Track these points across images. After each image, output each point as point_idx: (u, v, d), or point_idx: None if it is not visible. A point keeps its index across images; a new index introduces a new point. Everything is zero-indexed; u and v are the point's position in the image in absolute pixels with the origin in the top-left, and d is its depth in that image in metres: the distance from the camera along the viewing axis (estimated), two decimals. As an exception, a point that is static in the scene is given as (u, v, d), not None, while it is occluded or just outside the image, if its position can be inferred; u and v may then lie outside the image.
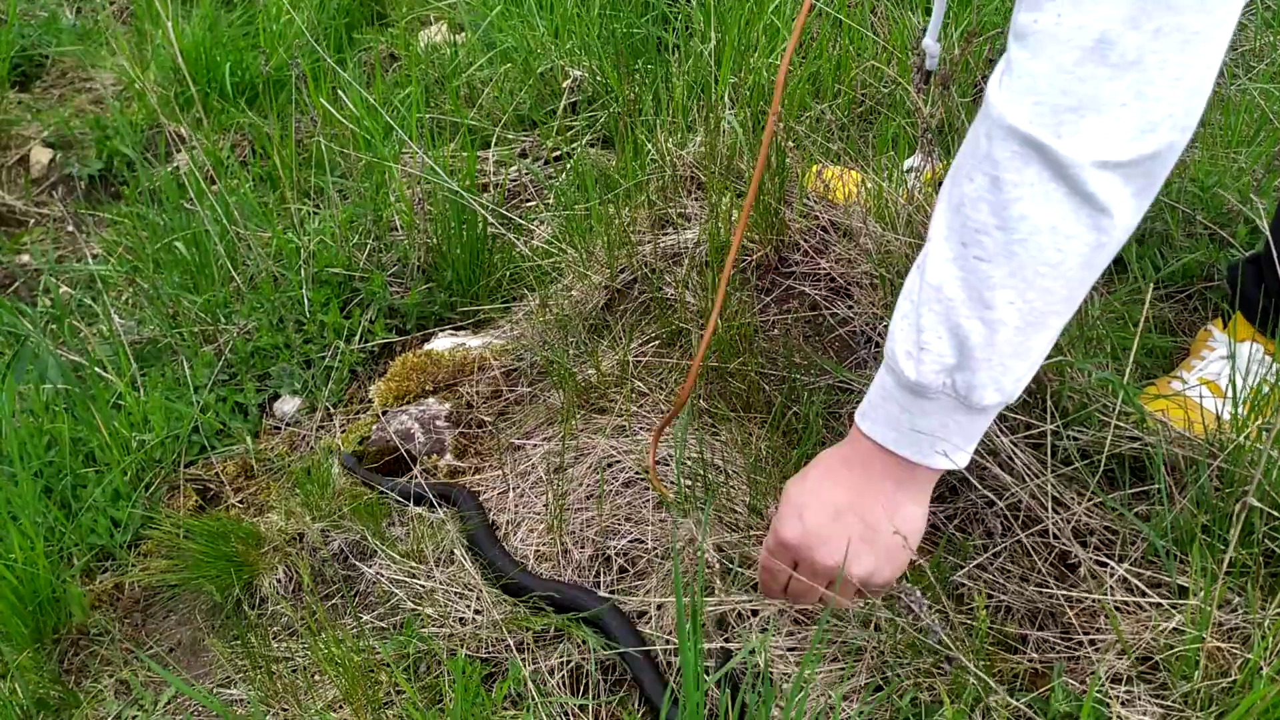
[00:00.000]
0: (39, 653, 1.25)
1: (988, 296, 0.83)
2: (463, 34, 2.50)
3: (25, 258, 2.16)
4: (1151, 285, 1.14)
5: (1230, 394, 1.10)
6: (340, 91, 2.22)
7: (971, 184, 0.82)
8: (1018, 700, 0.93)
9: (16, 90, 2.69)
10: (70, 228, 2.26)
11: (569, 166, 1.89)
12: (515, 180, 2.05)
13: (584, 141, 2.05)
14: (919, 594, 0.95)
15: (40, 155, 2.42)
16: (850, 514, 0.90)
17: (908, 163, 1.61)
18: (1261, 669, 0.90)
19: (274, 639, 1.21)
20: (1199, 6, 0.73)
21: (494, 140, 2.12)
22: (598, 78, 2.06)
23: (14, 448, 1.37)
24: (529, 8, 2.27)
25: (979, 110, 0.83)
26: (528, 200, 2.03)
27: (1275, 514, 0.94)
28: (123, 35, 2.77)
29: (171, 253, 1.75)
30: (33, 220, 2.29)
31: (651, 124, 1.89)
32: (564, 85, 2.13)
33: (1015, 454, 1.07)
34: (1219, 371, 1.19)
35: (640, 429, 1.28)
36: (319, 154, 2.08)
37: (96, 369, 1.58)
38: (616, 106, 1.96)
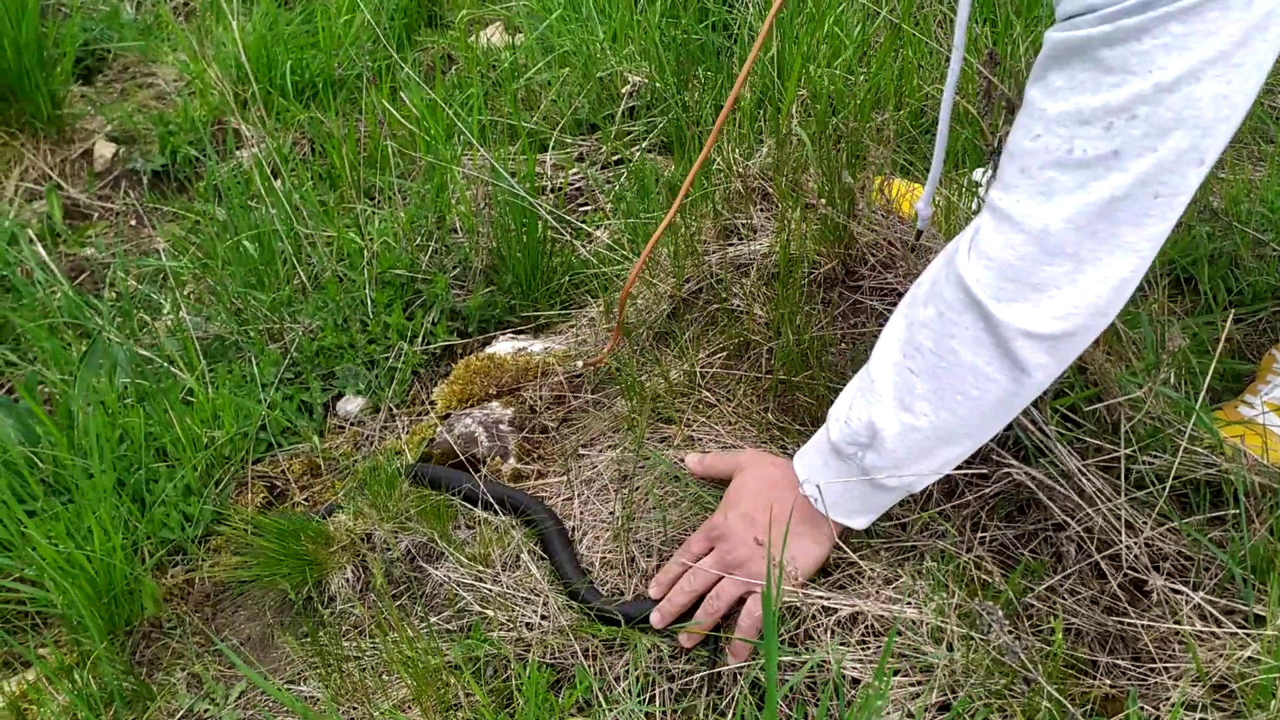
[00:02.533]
0: (113, 644, 1.27)
1: (909, 402, 1.00)
2: (519, 35, 2.52)
3: (90, 250, 2.19)
4: (1230, 313, 1.14)
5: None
6: (401, 92, 2.24)
7: (924, 310, 0.99)
8: (1086, 723, 0.94)
9: (80, 84, 2.73)
10: (134, 221, 2.30)
11: (629, 170, 1.90)
12: (574, 185, 2.06)
13: (643, 146, 2.06)
14: (1000, 613, 0.96)
15: (104, 149, 2.46)
16: (761, 529, 1.09)
17: (975, 174, 1.61)
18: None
19: (344, 637, 1.23)
20: (1133, 223, 0.86)
21: (552, 144, 2.13)
22: (656, 83, 2.07)
23: (90, 441, 1.39)
24: (588, 12, 2.28)
25: (946, 250, 0.99)
26: (584, 205, 2.04)
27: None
28: (184, 31, 2.81)
29: (239, 250, 1.78)
30: (97, 214, 2.33)
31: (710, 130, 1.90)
32: (623, 90, 2.14)
33: (1087, 477, 1.07)
34: (1283, 397, 1.19)
35: (709, 440, 1.29)
36: (380, 154, 2.11)
37: (166, 364, 1.61)
38: (676, 113, 1.97)
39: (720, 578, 1.10)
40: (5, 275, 1.97)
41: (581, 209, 2.04)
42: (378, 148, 2.14)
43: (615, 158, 2.09)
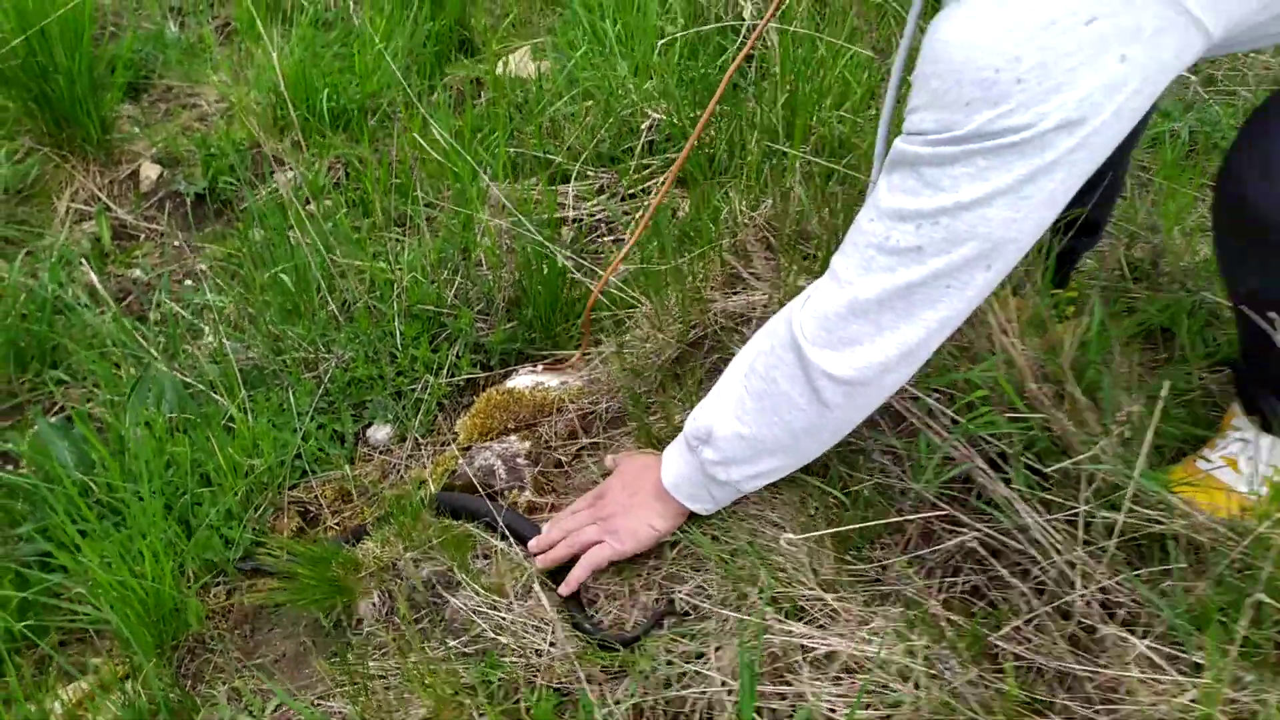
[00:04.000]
0: (160, 659, 1.40)
1: (739, 413, 1.21)
2: (545, 62, 2.62)
3: (137, 272, 2.32)
4: (1165, 384, 1.22)
5: (1249, 480, 1.19)
6: (431, 121, 2.35)
7: (765, 341, 1.20)
8: (1040, 762, 1.03)
9: (127, 102, 2.86)
10: (177, 243, 2.42)
11: (644, 208, 2.00)
12: (595, 216, 2.16)
13: (661, 180, 2.16)
14: (951, 659, 1.05)
15: (149, 171, 2.59)
16: (626, 501, 1.34)
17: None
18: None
19: (370, 659, 1.34)
20: (926, 305, 1.05)
21: (575, 175, 2.24)
22: (674, 120, 2.17)
23: (140, 467, 1.52)
24: (611, 48, 2.38)
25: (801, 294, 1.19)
26: (603, 236, 2.15)
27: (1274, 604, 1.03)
28: (224, 54, 2.93)
29: (276, 280, 1.90)
30: (143, 235, 2.46)
31: (725, 168, 1.99)
32: (642, 126, 2.23)
33: (1045, 530, 1.17)
34: (1238, 451, 1.28)
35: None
36: (409, 182, 2.22)
37: (208, 391, 1.73)
38: (689, 153, 2.07)
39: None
40: (58, 298, 2.10)
41: (602, 239, 2.15)
42: (409, 175, 2.25)
43: (633, 192, 2.19)
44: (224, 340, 1.83)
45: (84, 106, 2.47)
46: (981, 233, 0.99)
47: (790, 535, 1.22)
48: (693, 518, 1.34)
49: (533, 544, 1.37)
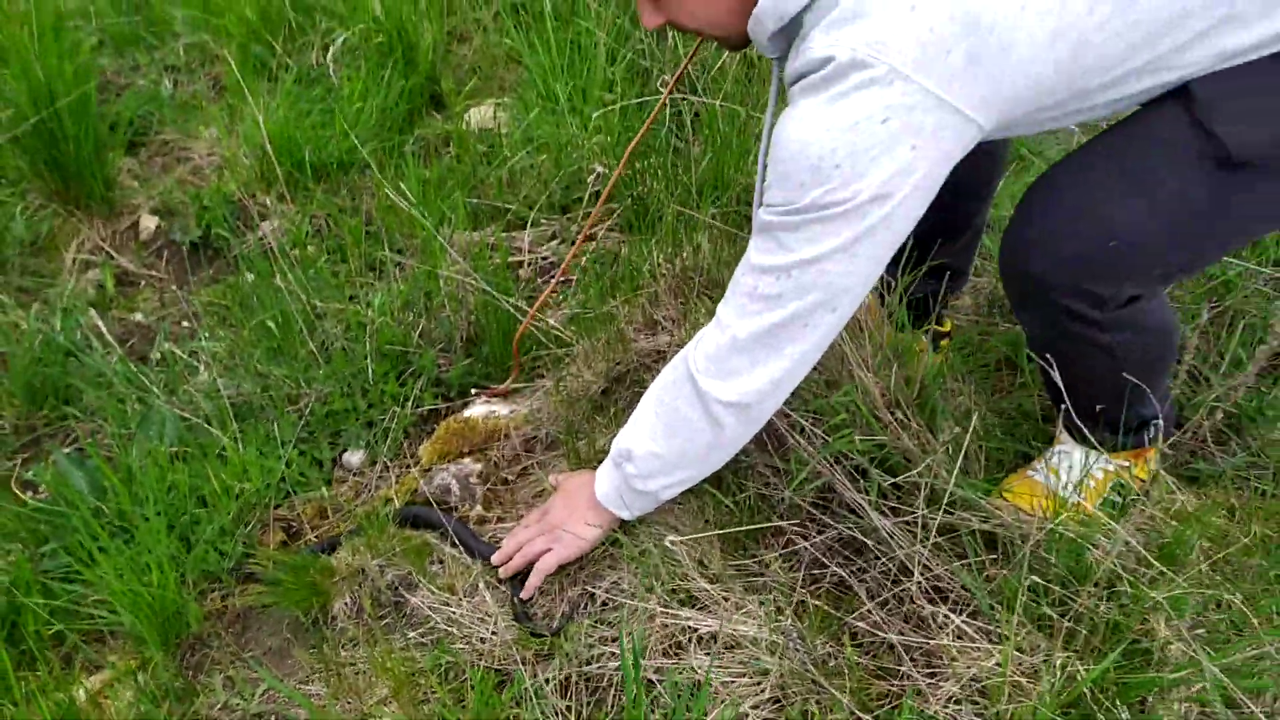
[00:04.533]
0: (166, 654, 1.65)
1: (652, 434, 1.46)
2: (505, 115, 2.88)
3: (138, 316, 2.58)
4: (973, 418, 1.48)
5: (1067, 487, 1.45)
6: (396, 183, 2.62)
7: (669, 375, 1.46)
8: (874, 715, 1.29)
9: (126, 155, 3.12)
10: (175, 288, 2.68)
11: (587, 252, 2.26)
12: (546, 260, 2.43)
13: (605, 226, 2.43)
14: (795, 634, 1.31)
15: (148, 222, 2.85)
16: (566, 512, 1.58)
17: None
18: (1046, 697, 1.25)
19: (342, 649, 1.60)
20: (790, 342, 1.30)
21: (529, 223, 2.50)
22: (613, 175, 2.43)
23: (146, 492, 1.77)
24: (563, 108, 2.64)
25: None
26: (554, 278, 2.41)
27: (1052, 586, 1.29)
28: (215, 110, 3.20)
29: (263, 326, 2.16)
30: (143, 281, 2.72)
31: (659, 217, 2.26)
32: (589, 178, 2.50)
33: (889, 531, 1.43)
34: (1059, 463, 1.54)
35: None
36: (388, 228, 2.48)
37: (204, 424, 1.99)
38: (630, 204, 2.34)
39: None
40: (70, 342, 2.36)
41: (553, 281, 2.41)
42: (383, 223, 2.52)
43: (583, 236, 2.45)
44: (217, 379, 2.09)
45: (89, 167, 2.74)
46: (823, 283, 1.25)
47: (673, 537, 1.47)
48: (622, 523, 1.60)
49: (495, 558, 1.61)
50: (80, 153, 2.70)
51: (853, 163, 1.16)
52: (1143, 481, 1.57)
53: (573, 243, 2.43)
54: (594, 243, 2.40)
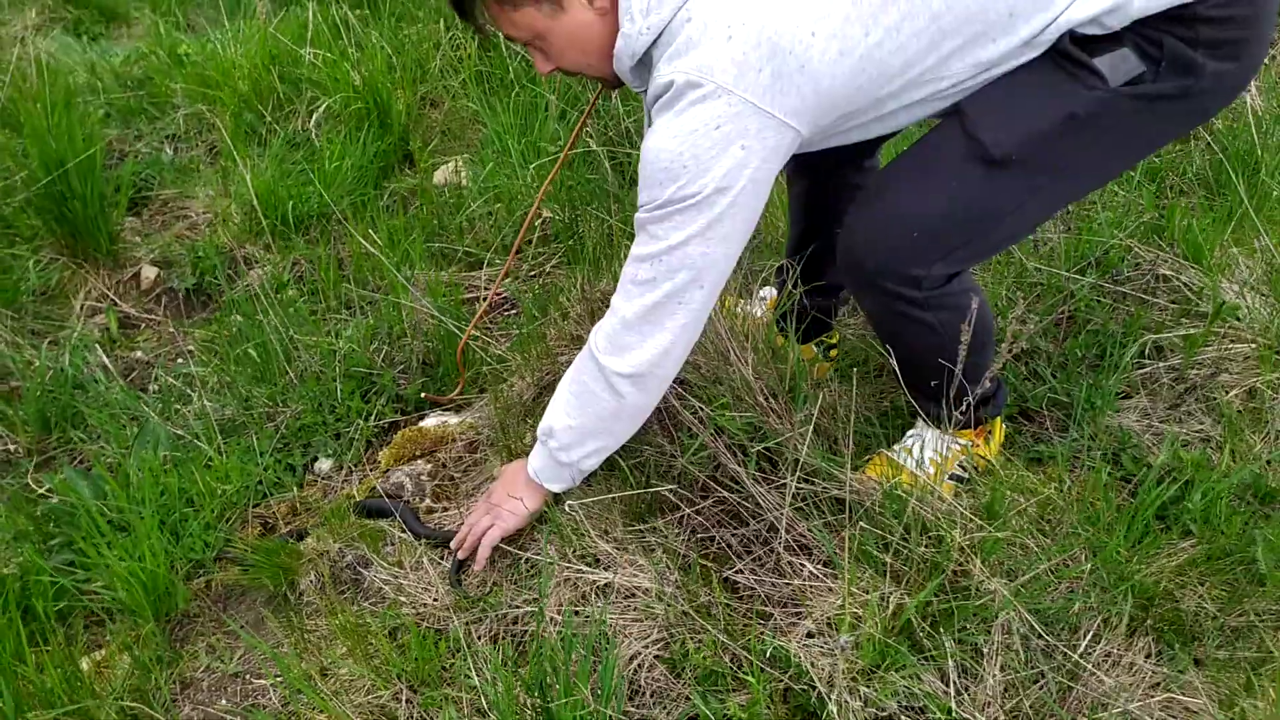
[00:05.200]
0: (158, 627, 1.92)
1: (568, 410, 1.71)
2: (466, 169, 3.21)
3: (139, 353, 2.88)
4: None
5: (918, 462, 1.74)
6: (372, 223, 2.94)
7: (578, 359, 1.71)
8: (737, 645, 1.56)
9: (130, 215, 3.45)
10: (171, 329, 2.99)
11: (533, 294, 2.56)
12: (500, 294, 2.73)
13: (549, 265, 2.74)
14: (672, 585, 1.59)
15: (148, 272, 3.16)
16: (503, 493, 1.83)
17: (763, 291, 2.26)
18: (874, 624, 1.51)
19: (308, 618, 1.86)
20: (668, 317, 1.57)
21: (485, 263, 2.81)
22: (560, 218, 2.75)
23: (143, 494, 2.06)
24: (516, 161, 2.97)
25: None
26: (508, 310, 2.71)
27: (886, 536, 1.57)
28: (210, 172, 3.54)
29: (247, 355, 2.45)
30: (144, 324, 3.02)
31: (594, 258, 2.56)
32: (538, 223, 2.82)
33: (765, 497, 1.70)
34: (912, 442, 1.82)
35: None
36: (359, 272, 2.79)
37: (193, 439, 2.28)
38: (570, 243, 2.65)
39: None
40: (78, 376, 2.65)
41: (506, 313, 2.71)
42: (354, 266, 2.83)
43: (532, 274, 2.76)
44: (205, 403, 2.38)
45: (96, 223, 3.06)
46: (688, 264, 1.52)
47: (571, 503, 1.75)
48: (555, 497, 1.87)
49: (453, 543, 1.86)
50: (87, 211, 3.02)
51: (697, 162, 1.46)
52: (986, 459, 1.85)
53: (524, 279, 2.74)
54: (541, 278, 2.70)
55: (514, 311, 2.70)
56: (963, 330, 1.58)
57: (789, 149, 1.52)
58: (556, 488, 1.82)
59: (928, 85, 1.53)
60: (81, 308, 3.05)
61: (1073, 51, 1.48)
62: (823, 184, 2.04)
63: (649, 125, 1.56)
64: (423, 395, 2.30)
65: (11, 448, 2.54)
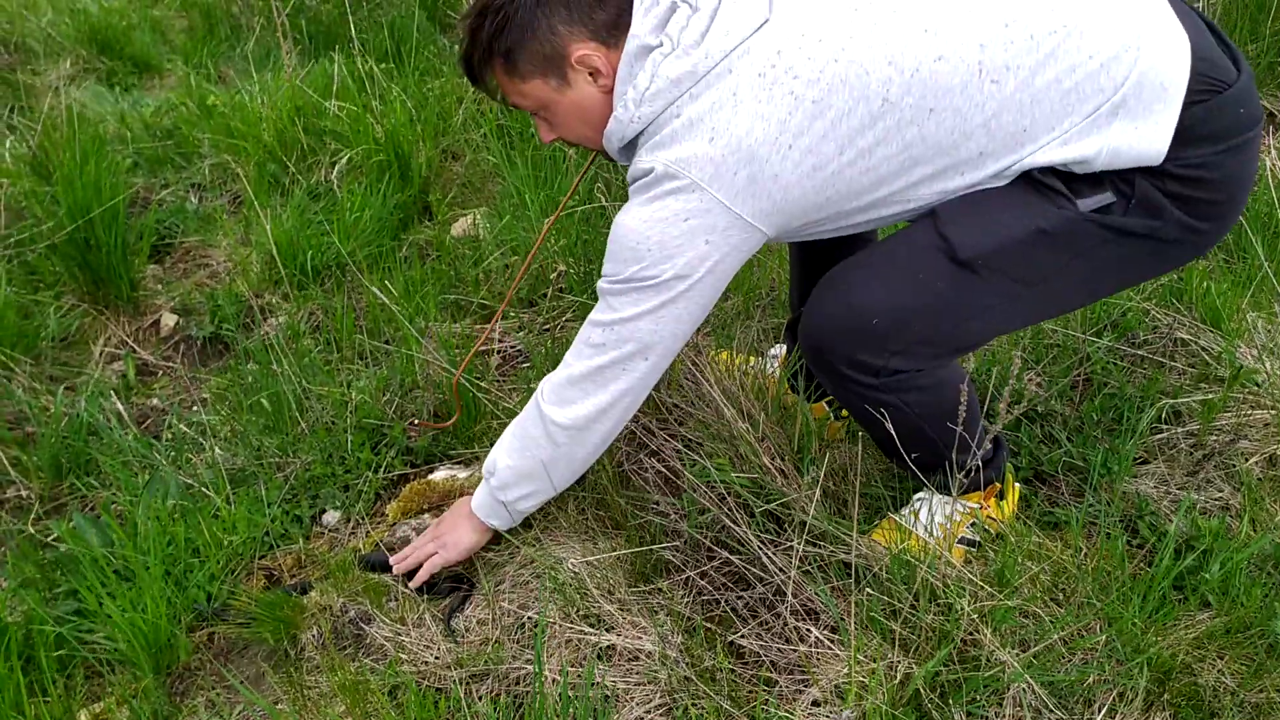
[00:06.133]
0: (158, 679, 1.90)
1: (510, 450, 1.79)
2: (484, 221, 3.23)
3: (155, 401, 2.90)
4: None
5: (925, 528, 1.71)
6: (389, 275, 2.95)
7: (528, 404, 1.76)
8: (741, 713, 1.53)
9: (152, 263, 3.49)
10: (187, 377, 3.01)
11: (543, 348, 2.56)
12: (515, 348, 2.73)
13: (564, 319, 2.74)
14: (681, 649, 1.56)
15: (168, 320, 3.19)
16: (450, 524, 1.92)
17: (774, 349, 2.25)
18: (881, 695, 1.48)
19: (308, 674, 1.84)
20: (612, 380, 1.65)
21: (494, 315, 2.81)
22: (575, 273, 2.76)
23: (149, 544, 2.05)
24: (534, 214, 2.99)
25: None
26: (523, 363, 2.71)
27: (894, 603, 1.54)
28: (231, 222, 3.58)
29: (259, 405, 2.46)
30: (161, 371, 3.04)
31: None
32: (552, 275, 2.82)
33: (771, 559, 1.68)
34: (920, 507, 1.79)
35: (554, 537, 1.92)
36: (374, 323, 2.80)
37: (202, 489, 2.27)
38: (585, 297, 2.65)
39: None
40: (93, 422, 2.67)
41: (521, 365, 2.71)
42: (367, 318, 2.84)
43: (546, 327, 2.76)
44: (216, 451, 2.38)
45: (118, 271, 3.10)
46: (636, 337, 1.60)
47: (574, 560, 1.73)
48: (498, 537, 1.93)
49: (393, 559, 1.94)
50: (110, 259, 3.06)
51: (661, 248, 1.52)
52: (995, 521, 1.82)
53: (538, 332, 2.74)
54: (554, 331, 2.70)
55: (527, 364, 2.69)
56: (937, 405, 1.59)
57: (753, 248, 1.57)
58: (495, 524, 1.88)
59: (895, 206, 1.58)
60: (100, 354, 3.07)
61: (1044, 178, 1.52)
62: (821, 240, 2.04)
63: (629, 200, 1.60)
64: (416, 422, 2.30)
65: (24, 493, 2.54)
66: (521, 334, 2.76)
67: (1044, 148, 1.48)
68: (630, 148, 1.62)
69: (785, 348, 2.26)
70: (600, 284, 1.61)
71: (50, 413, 2.68)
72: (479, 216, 3.28)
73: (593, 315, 1.64)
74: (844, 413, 2.15)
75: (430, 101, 3.79)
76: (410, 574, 1.93)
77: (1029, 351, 2.23)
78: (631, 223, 1.54)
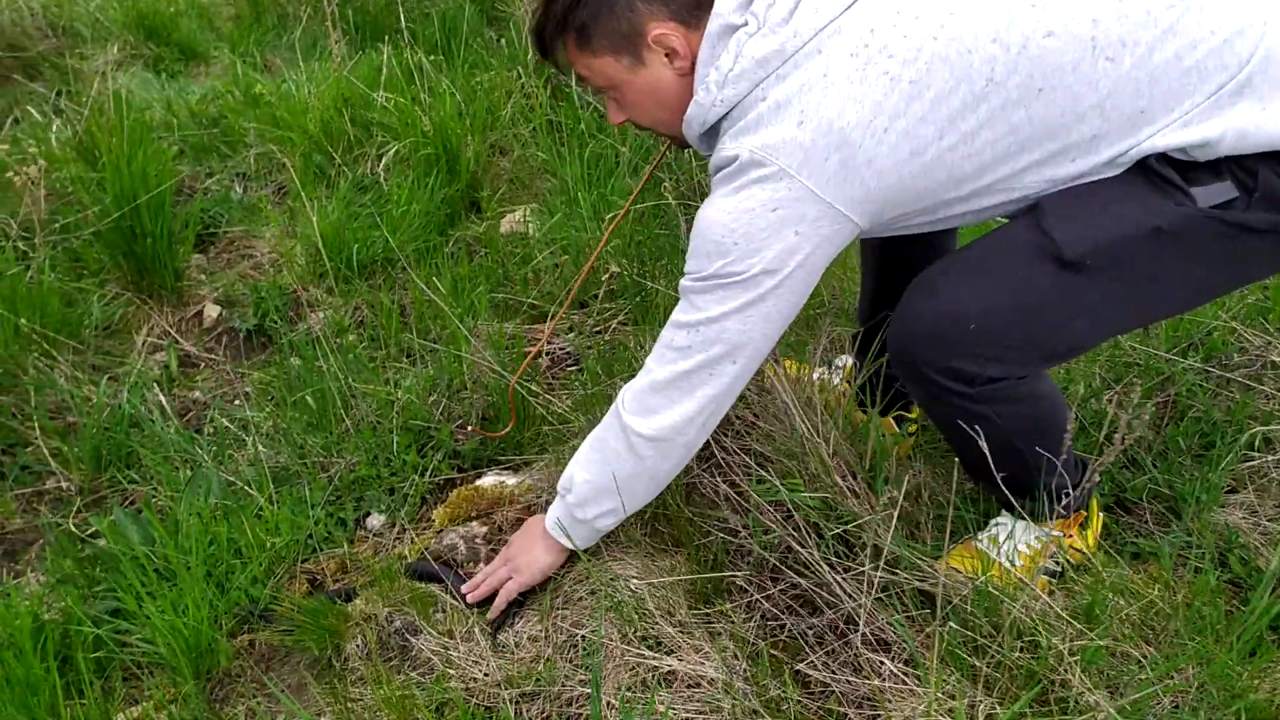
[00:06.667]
0: (198, 686, 1.84)
1: (586, 466, 1.69)
2: (534, 219, 3.16)
3: (197, 394, 2.85)
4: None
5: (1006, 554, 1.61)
6: (437, 271, 2.89)
7: (607, 414, 1.68)
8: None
9: (197, 253, 3.44)
10: (229, 370, 2.95)
11: (594, 351, 2.48)
12: (564, 349, 2.66)
13: (615, 321, 2.66)
14: (747, 677, 1.47)
15: (211, 311, 3.14)
16: (522, 545, 1.82)
17: (839, 359, 2.16)
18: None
19: (352, 686, 1.78)
20: (700, 386, 1.55)
21: (550, 315, 2.74)
22: (628, 274, 2.68)
23: (191, 544, 1.99)
24: (586, 213, 2.91)
25: None
26: (571, 365, 2.63)
27: (976, 637, 1.44)
28: (276, 212, 3.53)
29: (303, 402, 2.40)
30: (203, 363, 2.99)
31: (660, 314, 2.48)
32: (604, 277, 2.74)
33: (841, 586, 1.59)
34: (999, 533, 1.69)
35: (612, 553, 1.84)
36: (420, 320, 2.74)
37: (245, 487, 2.21)
38: (638, 299, 2.57)
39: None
40: (134, 414, 2.62)
41: (569, 368, 2.64)
42: (415, 314, 2.78)
43: (597, 330, 2.69)
44: (259, 449, 2.32)
45: (163, 260, 3.05)
46: (724, 338, 1.50)
47: (636, 581, 1.65)
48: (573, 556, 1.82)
49: (465, 587, 1.84)
50: (155, 248, 3.01)
51: (748, 241, 1.43)
52: (1079, 551, 1.72)
53: (589, 335, 2.66)
54: (606, 334, 2.63)
55: (576, 367, 2.62)
56: (1032, 420, 1.49)
57: (845, 240, 1.48)
58: (571, 544, 1.77)
59: (998, 194, 1.47)
60: (143, 344, 3.03)
61: (1161, 170, 1.40)
62: (897, 246, 1.94)
63: (711, 192, 1.51)
64: (469, 428, 2.23)
65: (64, 485, 2.50)
66: (571, 335, 2.69)
67: (1163, 130, 1.37)
68: (712, 135, 1.53)
69: (850, 360, 2.16)
70: (683, 282, 1.53)
71: (92, 403, 2.64)
72: (528, 213, 3.21)
73: (675, 316, 1.55)
74: (913, 430, 2.06)
75: (479, 95, 3.72)
76: (483, 602, 1.84)
77: (1106, 370, 2.13)
78: (716, 215, 1.45)
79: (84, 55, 4.95)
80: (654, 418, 1.59)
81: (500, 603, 1.79)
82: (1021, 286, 1.45)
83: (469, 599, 1.82)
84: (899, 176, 1.40)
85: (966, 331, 1.45)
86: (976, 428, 1.51)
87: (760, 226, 1.41)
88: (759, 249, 1.42)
